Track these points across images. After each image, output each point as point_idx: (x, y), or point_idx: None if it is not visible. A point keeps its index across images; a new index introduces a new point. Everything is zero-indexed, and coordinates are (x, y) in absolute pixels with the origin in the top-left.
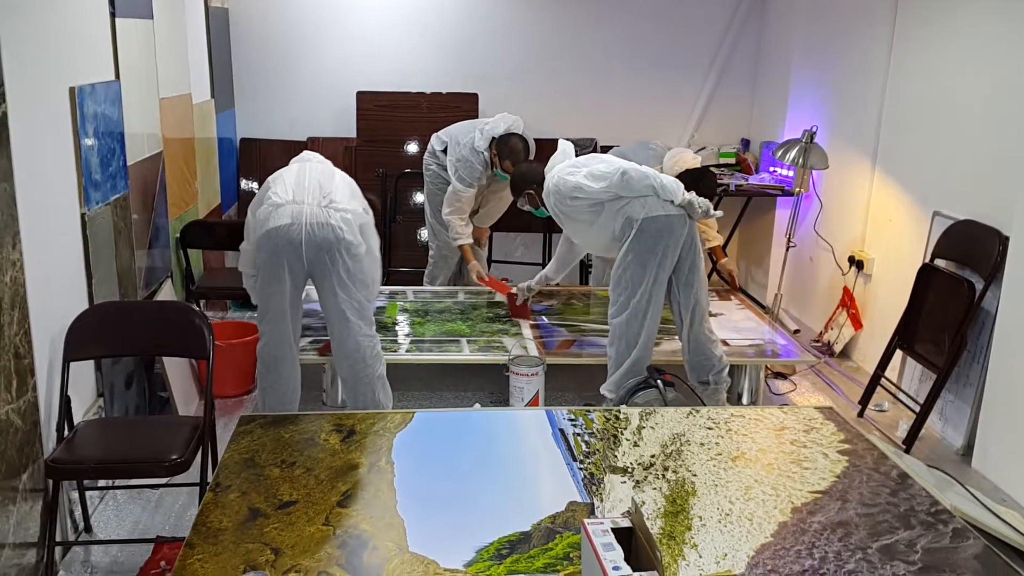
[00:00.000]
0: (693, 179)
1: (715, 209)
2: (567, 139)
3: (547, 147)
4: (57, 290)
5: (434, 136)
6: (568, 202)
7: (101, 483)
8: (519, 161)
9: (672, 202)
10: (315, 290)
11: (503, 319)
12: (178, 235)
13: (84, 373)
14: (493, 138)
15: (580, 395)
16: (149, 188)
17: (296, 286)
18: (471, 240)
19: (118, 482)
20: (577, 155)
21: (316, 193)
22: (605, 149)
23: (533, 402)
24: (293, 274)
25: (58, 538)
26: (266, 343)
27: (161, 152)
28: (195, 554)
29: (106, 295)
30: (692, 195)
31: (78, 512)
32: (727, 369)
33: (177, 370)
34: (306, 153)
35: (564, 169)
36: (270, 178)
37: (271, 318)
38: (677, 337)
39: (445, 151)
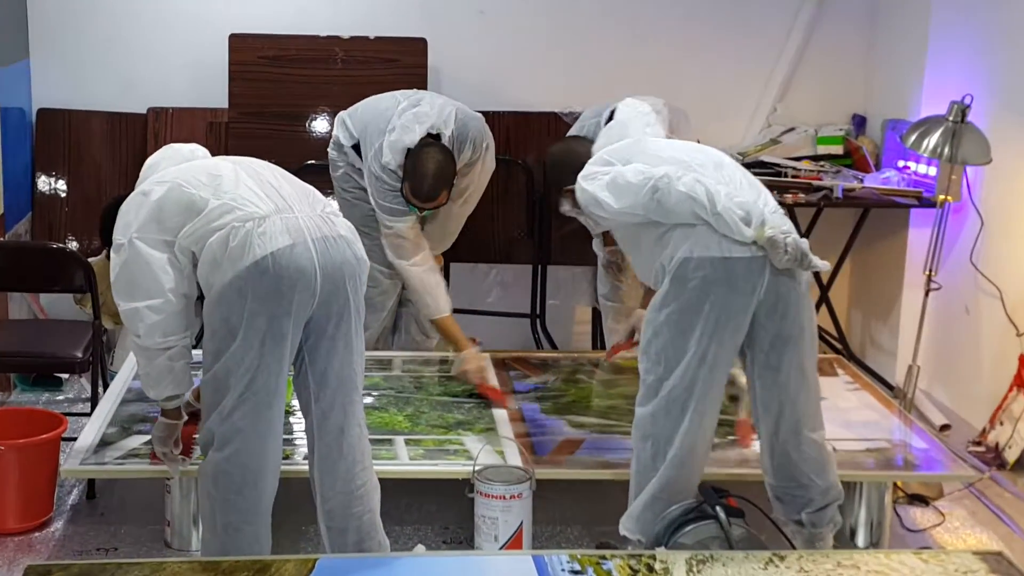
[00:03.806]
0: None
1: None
2: (571, 112)
3: (537, 122)
4: None
5: (340, 119)
6: (595, 215)
7: None
8: (424, 193)
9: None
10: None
11: (465, 404)
12: None
13: None
14: (409, 150)
15: (592, 531)
16: None
17: (295, 345)
18: (450, 309)
19: None
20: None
21: (297, 194)
22: None
23: (514, 542)
24: (297, 324)
25: None
26: (239, 448)
27: None
28: None
29: None
30: (780, 230)
31: None
32: (836, 504)
33: None
34: (193, 147)
35: (588, 166)
36: (182, 181)
37: (254, 404)
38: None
39: (356, 148)
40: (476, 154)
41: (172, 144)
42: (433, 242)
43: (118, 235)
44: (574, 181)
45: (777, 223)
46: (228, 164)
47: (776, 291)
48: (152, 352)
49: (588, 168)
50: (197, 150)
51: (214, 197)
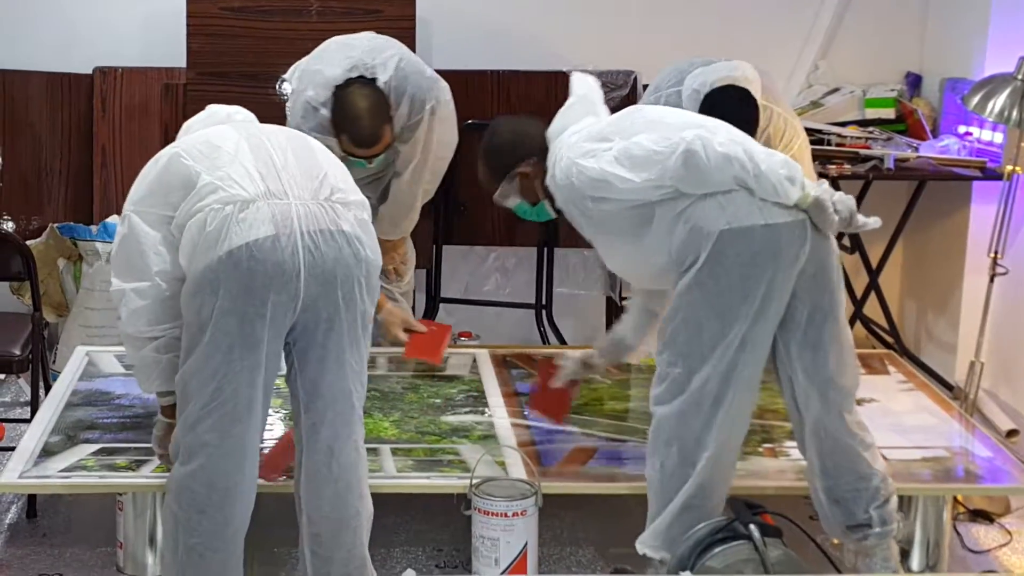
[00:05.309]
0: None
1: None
2: (582, 71)
3: (543, 82)
4: None
5: (297, 71)
6: (589, 204)
7: None
8: (366, 136)
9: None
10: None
11: (462, 406)
12: None
13: None
14: (337, 88)
15: (606, 553)
16: None
17: (276, 353)
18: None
19: None
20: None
21: (302, 175)
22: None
23: (517, 566)
24: (275, 330)
25: None
26: (205, 465)
27: None
28: None
29: None
30: (823, 188)
31: None
32: (895, 499)
33: None
34: (233, 110)
35: (580, 143)
36: (182, 151)
37: (220, 416)
38: (796, 446)
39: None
40: (416, 116)
41: (213, 104)
42: (384, 227)
43: (126, 203)
44: (518, 166)
45: (812, 182)
46: (233, 134)
47: (817, 259)
48: (137, 341)
49: (582, 144)
50: (236, 113)
51: (207, 172)
